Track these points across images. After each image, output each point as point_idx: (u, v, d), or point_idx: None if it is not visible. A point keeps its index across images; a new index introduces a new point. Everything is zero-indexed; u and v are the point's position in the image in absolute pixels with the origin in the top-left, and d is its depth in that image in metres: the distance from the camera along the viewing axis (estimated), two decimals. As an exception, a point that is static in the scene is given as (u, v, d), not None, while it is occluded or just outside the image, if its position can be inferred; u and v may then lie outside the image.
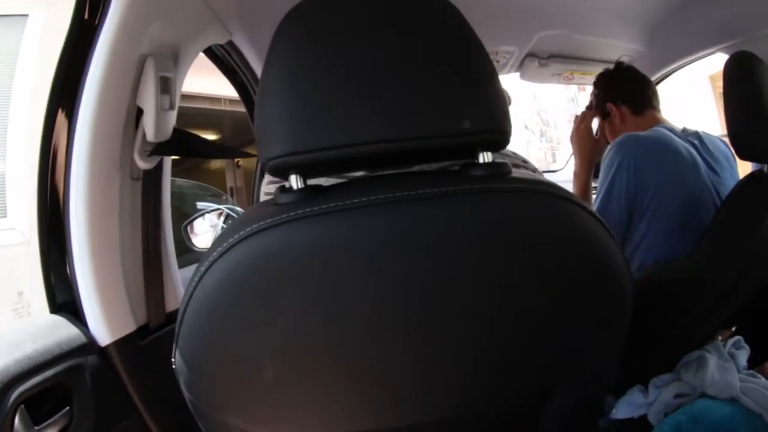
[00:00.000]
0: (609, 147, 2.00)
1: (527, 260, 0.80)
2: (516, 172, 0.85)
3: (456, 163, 0.88)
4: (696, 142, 2.00)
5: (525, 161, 1.29)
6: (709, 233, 1.69)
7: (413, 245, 0.77)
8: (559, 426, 1.02)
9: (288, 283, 0.76)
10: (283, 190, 0.81)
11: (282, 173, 0.81)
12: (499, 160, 0.84)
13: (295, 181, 0.80)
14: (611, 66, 2.40)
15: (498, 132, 0.82)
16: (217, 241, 0.78)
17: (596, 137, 2.39)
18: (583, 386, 1.00)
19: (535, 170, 1.28)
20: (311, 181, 0.82)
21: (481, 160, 0.82)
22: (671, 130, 2.00)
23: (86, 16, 1.15)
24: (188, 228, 2.18)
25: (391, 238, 0.76)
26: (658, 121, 2.10)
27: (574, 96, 10.01)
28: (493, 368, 0.88)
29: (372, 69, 0.77)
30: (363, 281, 0.77)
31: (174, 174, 1.49)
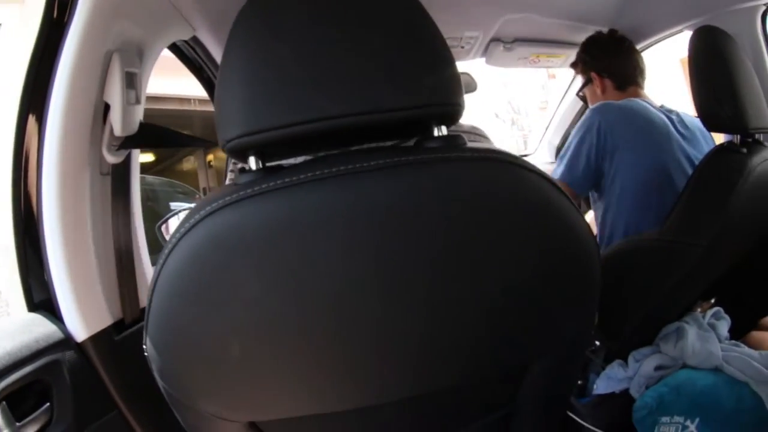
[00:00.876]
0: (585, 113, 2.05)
1: (486, 226, 0.82)
2: (472, 144, 0.87)
3: (412, 139, 0.90)
4: (673, 116, 2.06)
5: (485, 136, 1.32)
6: (679, 204, 1.71)
7: (368, 216, 0.78)
8: (537, 396, 1.04)
9: (247, 258, 0.77)
10: (242, 171, 0.83)
11: (240, 155, 0.83)
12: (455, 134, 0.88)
13: (253, 162, 0.82)
14: (578, 47, 2.44)
15: (450, 105, 0.84)
16: (180, 224, 0.79)
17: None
18: (559, 354, 1.00)
19: (486, 142, 1.31)
20: (273, 164, 0.85)
21: (435, 134, 0.85)
22: (649, 103, 2.07)
23: (55, 15, 1.17)
24: (162, 227, 2.18)
25: (346, 209, 0.78)
26: (638, 96, 2.15)
27: (544, 83, 10.06)
28: (464, 344, 0.90)
29: (325, 49, 0.79)
30: (319, 253, 0.78)
31: (139, 170, 1.50)
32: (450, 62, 0.85)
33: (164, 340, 0.82)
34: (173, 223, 2.21)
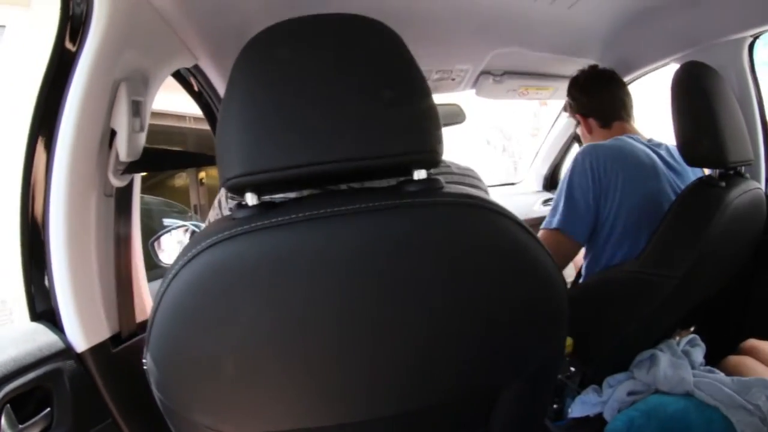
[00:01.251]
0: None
1: (458, 267, 0.88)
2: (449, 187, 0.93)
3: (395, 181, 0.95)
4: (661, 151, 2.06)
5: (472, 175, 1.36)
6: (655, 237, 1.75)
7: (350, 255, 0.85)
8: (509, 418, 1.08)
9: (241, 288, 0.84)
10: (239, 206, 0.90)
11: (239, 191, 0.90)
12: (438, 175, 0.93)
13: (250, 199, 0.89)
14: (567, 79, 2.45)
15: (428, 152, 0.90)
16: (183, 252, 0.86)
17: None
18: (529, 379, 1.04)
19: (477, 184, 1.35)
20: (267, 197, 0.92)
21: (415, 177, 0.90)
22: (635, 138, 2.07)
23: (66, 44, 1.23)
24: (155, 244, 2.20)
25: (330, 248, 0.85)
26: (625, 132, 2.15)
27: (536, 111, 10.07)
28: (437, 369, 0.95)
29: (318, 97, 0.87)
30: (306, 287, 0.85)
31: (143, 194, 1.56)
32: (431, 111, 0.92)
33: (164, 357, 0.88)
34: (165, 240, 2.24)
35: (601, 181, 1.94)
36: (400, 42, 0.92)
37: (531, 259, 0.91)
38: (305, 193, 1.05)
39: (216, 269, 0.84)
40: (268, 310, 0.86)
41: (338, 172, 0.89)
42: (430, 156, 0.91)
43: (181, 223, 2.42)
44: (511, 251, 0.90)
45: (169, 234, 2.29)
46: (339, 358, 0.91)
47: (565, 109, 2.51)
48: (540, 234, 1.99)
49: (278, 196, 1.04)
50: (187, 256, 0.84)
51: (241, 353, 0.88)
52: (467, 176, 1.34)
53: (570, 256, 2.06)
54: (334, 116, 0.87)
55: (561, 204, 2.01)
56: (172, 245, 2.23)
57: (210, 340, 0.87)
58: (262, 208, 0.89)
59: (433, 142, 0.91)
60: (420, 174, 0.91)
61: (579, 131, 2.43)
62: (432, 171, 0.94)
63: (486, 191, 1.37)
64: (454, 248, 0.88)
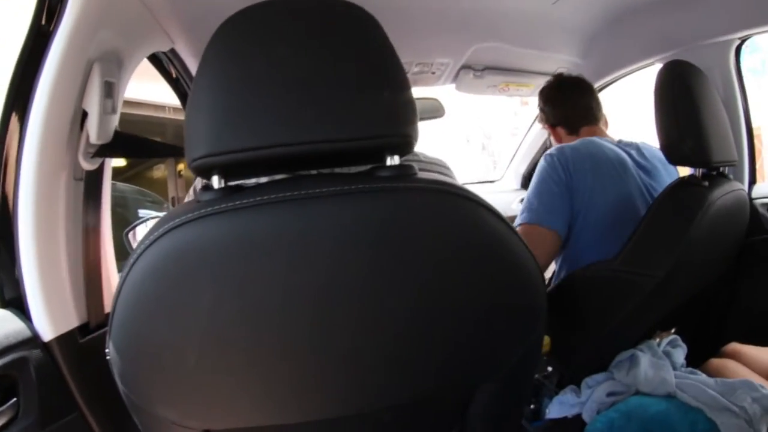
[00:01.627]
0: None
1: (431, 254, 0.86)
2: (423, 174, 0.91)
3: (368, 167, 0.94)
4: (632, 150, 2.07)
5: (441, 164, 1.35)
6: (636, 235, 1.73)
7: (317, 240, 0.83)
8: (485, 417, 1.08)
9: (203, 273, 0.82)
10: (205, 188, 0.88)
11: (205, 173, 0.88)
12: (411, 162, 0.92)
13: (216, 181, 0.87)
14: (549, 77, 2.46)
15: (402, 136, 0.88)
16: (145, 237, 0.84)
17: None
18: (505, 377, 1.04)
19: (447, 173, 1.34)
20: (234, 183, 0.89)
21: (388, 163, 0.89)
22: (603, 140, 2.06)
23: (43, 23, 1.21)
24: (130, 234, 2.18)
25: (297, 232, 0.83)
26: (593, 135, 2.14)
27: (516, 110, 10.11)
28: (413, 362, 0.94)
29: (290, 80, 0.84)
30: (271, 273, 0.83)
31: (118, 182, 1.53)
32: (406, 95, 0.90)
33: (125, 347, 0.86)
34: (141, 231, 2.21)
35: (572, 177, 1.94)
36: (377, 26, 0.90)
37: (508, 250, 0.90)
38: (276, 177, 1.02)
39: (177, 253, 0.82)
40: (231, 297, 0.84)
41: (307, 155, 0.87)
42: (404, 141, 0.89)
43: (156, 213, 2.40)
44: (487, 241, 0.89)
45: (144, 225, 2.27)
46: (310, 350, 0.89)
47: (539, 120, 2.54)
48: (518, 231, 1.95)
49: (251, 181, 1.01)
50: (149, 240, 0.82)
51: (205, 342, 0.86)
52: (436, 164, 1.33)
53: (552, 251, 2.01)
54: (304, 98, 0.84)
55: (534, 200, 2.00)
56: (148, 236, 2.19)
57: (172, 328, 0.85)
58: (228, 191, 0.86)
59: (408, 127, 0.89)
60: (393, 160, 0.89)
61: (551, 141, 2.46)
62: (402, 159, 0.92)
63: (455, 178, 1.35)
64: (430, 236, 0.87)
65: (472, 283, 0.89)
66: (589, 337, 1.79)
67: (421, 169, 0.93)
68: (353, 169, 1.00)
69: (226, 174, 0.87)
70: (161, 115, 8.71)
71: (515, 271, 0.91)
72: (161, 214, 2.27)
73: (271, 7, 0.89)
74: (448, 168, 1.37)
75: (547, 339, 1.72)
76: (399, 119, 0.88)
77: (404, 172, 0.89)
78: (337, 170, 1.06)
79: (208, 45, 0.87)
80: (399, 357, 0.93)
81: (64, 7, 1.19)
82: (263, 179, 1.04)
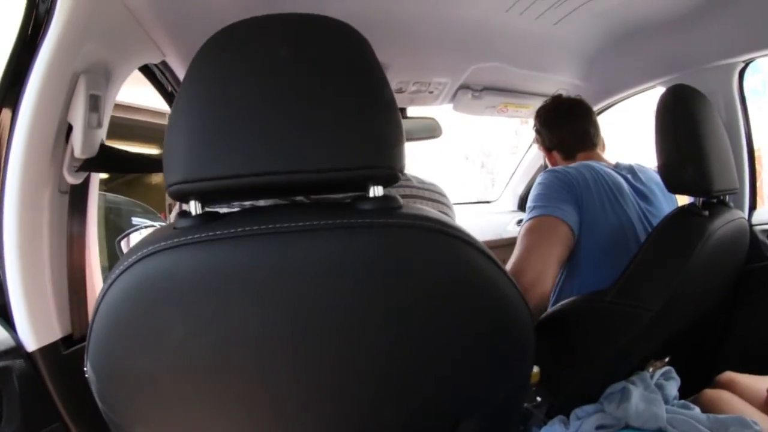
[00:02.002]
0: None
1: (407, 294, 0.85)
2: (407, 206, 0.89)
3: (350, 196, 0.91)
4: (628, 175, 2.03)
5: (435, 190, 1.32)
6: (633, 265, 1.68)
7: (292, 276, 0.82)
8: None
9: (172, 304, 0.82)
10: (182, 214, 0.86)
11: (183, 198, 0.86)
12: (399, 188, 0.91)
13: (193, 207, 0.85)
14: (547, 98, 2.39)
15: (387, 168, 0.85)
16: (122, 259, 0.82)
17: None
18: (492, 411, 1.02)
19: (440, 200, 1.31)
20: (211, 209, 0.88)
21: (371, 194, 0.86)
22: (600, 164, 2.01)
23: (29, 34, 1.21)
24: (122, 242, 2.17)
25: (271, 268, 0.82)
26: (590, 159, 2.11)
27: (517, 129, 10.10)
28: (393, 400, 0.93)
29: (272, 103, 0.82)
30: (244, 309, 0.82)
31: (115, 187, 1.54)
32: (393, 123, 0.87)
33: (102, 366, 0.86)
34: (135, 239, 2.22)
35: (576, 190, 1.88)
36: (366, 48, 0.88)
37: (491, 288, 0.88)
38: (260, 202, 1.01)
39: (150, 281, 0.82)
40: (202, 332, 0.84)
41: (286, 185, 0.86)
42: (388, 172, 0.86)
43: (149, 222, 2.40)
44: (470, 279, 0.87)
45: (138, 233, 2.27)
46: (288, 383, 0.89)
47: (535, 140, 2.47)
48: (526, 226, 1.89)
49: (231, 209, 1.00)
50: (124, 265, 0.81)
51: (179, 370, 0.86)
52: (428, 191, 1.30)
53: (567, 245, 1.88)
54: (286, 125, 0.82)
55: (542, 198, 1.92)
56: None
57: (145, 355, 0.85)
58: (205, 217, 0.85)
59: (393, 157, 0.86)
60: (377, 190, 0.86)
61: (547, 163, 2.41)
62: (394, 185, 0.90)
63: (450, 206, 1.35)
64: (410, 275, 0.85)
65: (455, 322, 0.88)
66: (581, 369, 1.75)
67: (409, 196, 0.92)
68: (339, 196, 0.99)
69: (204, 199, 0.86)
70: (159, 121, 8.72)
71: (501, 310, 0.90)
72: (156, 224, 2.27)
73: (256, 25, 0.87)
74: (442, 194, 1.34)
75: (536, 369, 1.67)
76: (385, 149, 0.86)
77: (386, 205, 0.86)
78: (320, 197, 1.04)
79: (191, 63, 0.86)
80: (379, 394, 0.92)
81: (51, 19, 1.19)
82: (246, 203, 1.03)
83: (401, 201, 0.89)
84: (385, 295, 0.85)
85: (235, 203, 1.05)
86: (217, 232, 0.81)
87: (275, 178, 0.82)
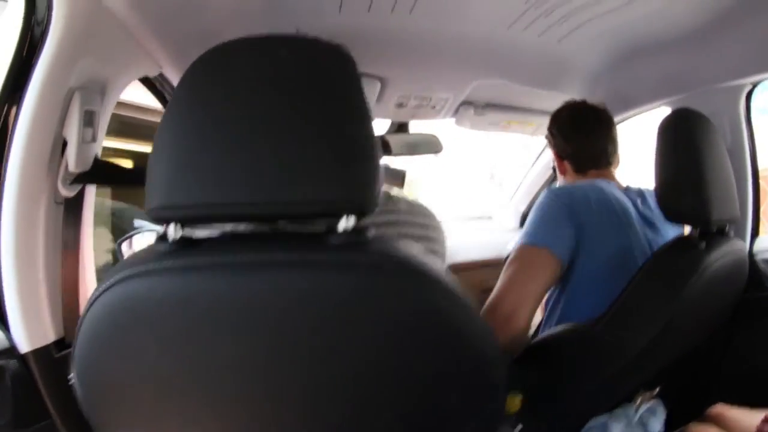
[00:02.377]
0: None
1: (373, 332, 0.87)
2: (377, 242, 0.90)
3: (325, 226, 0.89)
4: (637, 199, 1.97)
5: (423, 213, 1.34)
6: (624, 295, 1.65)
7: (262, 310, 0.85)
8: None
9: (149, 326, 0.86)
10: (161, 238, 0.88)
11: (162, 221, 0.87)
12: (383, 213, 0.93)
13: (172, 232, 0.86)
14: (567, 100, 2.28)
15: (360, 200, 0.86)
16: (107, 276, 0.86)
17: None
18: None
19: (426, 222, 1.32)
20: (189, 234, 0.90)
21: (341, 227, 0.86)
22: (610, 184, 1.97)
23: (25, 53, 1.25)
24: (124, 244, 2.18)
25: (244, 300, 0.84)
26: (601, 177, 2.05)
27: (527, 143, 9.97)
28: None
29: (252, 131, 0.84)
30: (215, 336, 0.86)
31: (93, 200, 1.57)
32: (370, 151, 0.88)
33: (84, 376, 0.92)
34: (137, 241, 2.24)
35: (578, 212, 1.83)
36: (352, 72, 0.90)
37: (457, 327, 0.89)
38: (241, 227, 1.04)
39: (127, 303, 0.86)
40: (174, 358, 0.88)
41: (266, 214, 0.88)
42: (363, 204, 0.87)
43: (152, 226, 2.40)
44: (433, 320, 0.88)
45: (140, 235, 2.28)
46: (252, 420, 0.93)
47: (548, 144, 2.36)
48: (513, 254, 1.84)
49: (211, 232, 1.01)
50: (107, 283, 0.86)
51: (153, 384, 0.90)
52: (415, 214, 1.31)
53: (550, 278, 1.83)
54: (264, 153, 0.84)
55: (535, 224, 1.88)
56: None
57: (122, 369, 0.90)
58: (183, 243, 0.88)
59: (366, 190, 0.87)
60: (349, 221, 0.86)
61: (554, 167, 2.32)
62: (376, 210, 0.90)
63: (438, 228, 1.37)
64: (373, 314, 0.86)
65: (418, 360, 0.89)
66: (567, 397, 1.72)
67: (396, 223, 0.96)
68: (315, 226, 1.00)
69: (184, 223, 0.88)
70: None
71: (467, 349, 0.91)
72: (156, 228, 2.28)
73: (245, 47, 0.89)
74: (430, 216, 1.36)
75: (518, 398, 1.63)
76: (359, 182, 0.87)
77: (356, 239, 0.87)
78: (299, 224, 1.04)
79: (177, 86, 0.89)
80: (349, 427, 0.94)
81: (45, 39, 1.23)
82: (227, 226, 1.05)
83: (372, 234, 0.90)
84: (350, 333, 0.87)
85: (215, 224, 1.06)
86: (191, 261, 0.85)
87: (253, 209, 0.85)
